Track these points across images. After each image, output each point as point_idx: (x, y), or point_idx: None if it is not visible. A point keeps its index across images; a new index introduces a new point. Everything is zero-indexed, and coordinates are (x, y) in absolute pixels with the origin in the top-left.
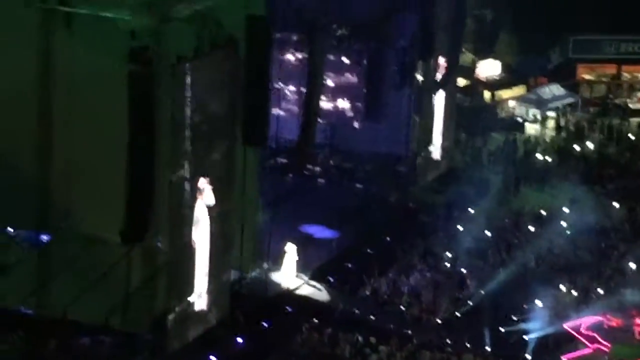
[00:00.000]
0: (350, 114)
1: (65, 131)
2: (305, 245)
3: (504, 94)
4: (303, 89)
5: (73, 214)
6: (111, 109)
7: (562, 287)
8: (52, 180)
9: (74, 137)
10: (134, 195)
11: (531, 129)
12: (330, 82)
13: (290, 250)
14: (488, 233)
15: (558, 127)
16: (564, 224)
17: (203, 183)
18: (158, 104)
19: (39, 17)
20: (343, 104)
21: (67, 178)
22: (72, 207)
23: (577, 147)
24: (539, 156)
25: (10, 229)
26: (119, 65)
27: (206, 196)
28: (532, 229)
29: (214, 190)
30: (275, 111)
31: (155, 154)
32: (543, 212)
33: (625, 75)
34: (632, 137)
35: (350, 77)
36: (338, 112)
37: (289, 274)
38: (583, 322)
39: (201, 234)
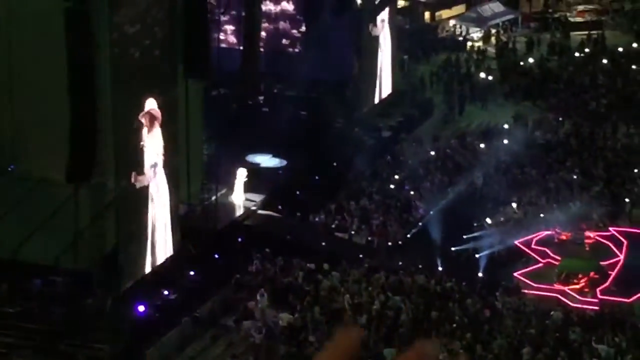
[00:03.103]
0: (291, 40)
1: (7, 73)
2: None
3: (444, 13)
4: (242, 18)
5: (19, 156)
6: (51, 49)
7: (511, 204)
8: None
9: (15, 78)
10: (78, 134)
11: (472, 47)
12: (269, 9)
13: (241, 175)
14: (435, 153)
15: (499, 44)
16: (509, 140)
17: (147, 118)
18: (96, 40)
19: None
20: (283, 31)
21: (11, 120)
22: (18, 149)
23: (519, 64)
24: (481, 74)
25: None
26: (56, 3)
27: (152, 131)
28: (478, 147)
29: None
30: (216, 42)
31: (96, 93)
32: (489, 130)
33: None
34: (575, 52)
35: (290, 3)
36: (279, 40)
37: (239, 200)
38: (533, 237)
39: (149, 169)
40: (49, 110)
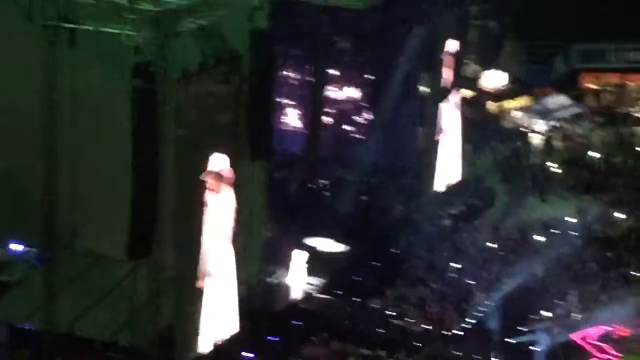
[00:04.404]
0: (354, 126)
1: (71, 148)
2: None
3: (509, 104)
4: (307, 102)
5: (79, 231)
6: (115, 126)
7: (570, 298)
8: (59, 198)
9: (79, 154)
10: (139, 212)
11: (536, 139)
12: (333, 95)
13: (300, 258)
14: (495, 244)
15: (563, 137)
16: (570, 233)
17: (210, 197)
18: (162, 119)
19: (42, 34)
20: (347, 116)
21: (73, 195)
22: (78, 224)
23: (583, 157)
24: (545, 166)
25: (17, 247)
26: (123, 81)
27: (212, 210)
28: (539, 239)
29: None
30: (280, 125)
31: (159, 170)
32: (550, 223)
33: (630, 84)
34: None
35: (355, 89)
36: (342, 125)
37: (297, 283)
38: (592, 332)
39: (210, 247)
40: (111, 187)
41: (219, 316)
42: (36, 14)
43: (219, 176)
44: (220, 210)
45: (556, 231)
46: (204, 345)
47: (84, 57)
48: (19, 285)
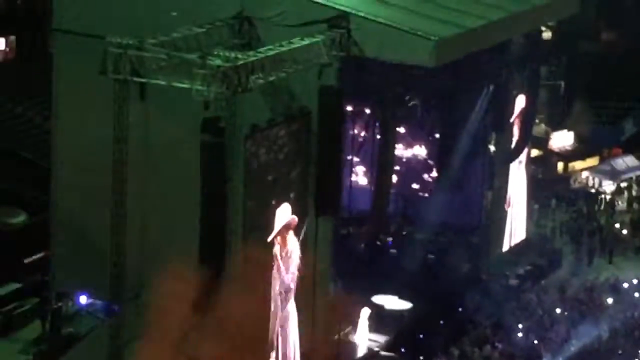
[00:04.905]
0: (422, 184)
1: (140, 200)
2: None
3: (577, 164)
4: (375, 159)
5: (146, 283)
6: (184, 179)
7: None
8: (126, 250)
9: (147, 206)
10: (207, 266)
11: (604, 200)
12: (402, 153)
13: (365, 315)
14: (561, 305)
15: (632, 198)
16: (637, 295)
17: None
18: (231, 174)
19: (114, 88)
20: (415, 174)
21: (140, 247)
22: (145, 276)
23: None
24: (612, 227)
25: (83, 299)
26: (192, 135)
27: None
28: (605, 300)
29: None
30: (348, 181)
31: (227, 225)
32: (617, 284)
33: None
34: None
35: (423, 147)
36: (409, 183)
37: (362, 340)
38: None
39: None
40: (179, 241)
41: None
42: (109, 67)
43: (286, 227)
44: (287, 263)
45: (623, 293)
46: None
47: (155, 111)
48: (86, 337)
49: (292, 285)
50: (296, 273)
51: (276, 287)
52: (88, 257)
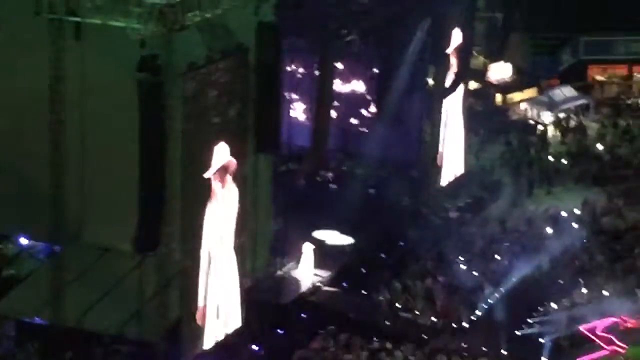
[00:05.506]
0: (361, 119)
1: (78, 142)
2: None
3: (515, 96)
4: (314, 95)
5: (86, 225)
6: (122, 119)
7: (577, 290)
8: (66, 192)
9: (86, 147)
10: (146, 205)
11: (543, 130)
12: (340, 88)
13: (307, 250)
14: (502, 236)
15: (570, 129)
16: (577, 225)
17: (216, 190)
18: (168, 112)
19: (48, 28)
20: (353, 110)
21: (80, 189)
22: (85, 218)
23: (589, 149)
24: (551, 158)
25: (24, 240)
26: (129, 74)
27: (219, 203)
28: (545, 231)
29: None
30: (287, 118)
31: (166, 164)
32: (556, 215)
33: (637, 76)
34: None
35: (361, 82)
36: (348, 119)
37: (305, 275)
38: (598, 324)
39: (216, 240)
40: (118, 181)
41: (224, 309)
42: (44, 7)
43: (224, 169)
44: (226, 203)
45: (562, 223)
46: (211, 338)
47: (91, 51)
48: (27, 279)
49: (231, 223)
50: (235, 212)
51: (215, 225)
52: (28, 199)
